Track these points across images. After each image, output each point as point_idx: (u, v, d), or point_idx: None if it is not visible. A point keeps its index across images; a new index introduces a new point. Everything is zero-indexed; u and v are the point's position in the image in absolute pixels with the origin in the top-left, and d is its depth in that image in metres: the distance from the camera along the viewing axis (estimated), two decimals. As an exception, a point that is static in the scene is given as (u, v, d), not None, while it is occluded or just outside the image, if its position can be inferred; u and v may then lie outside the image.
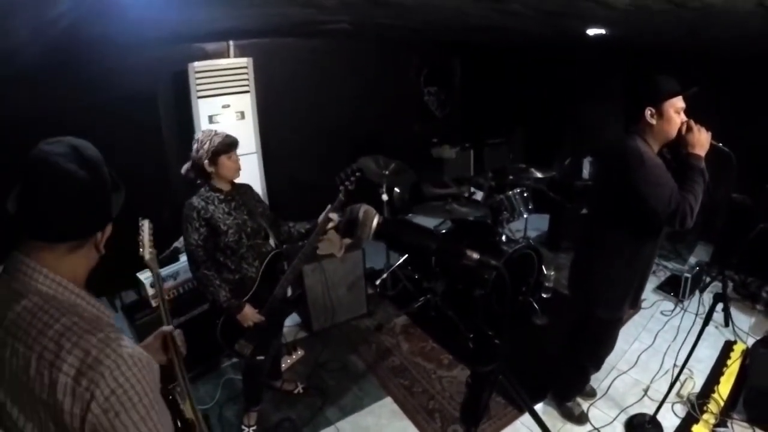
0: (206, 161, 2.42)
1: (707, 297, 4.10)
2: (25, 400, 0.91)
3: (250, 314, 2.51)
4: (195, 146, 2.44)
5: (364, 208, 1.09)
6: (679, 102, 2.16)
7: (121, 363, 0.89)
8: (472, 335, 1.12)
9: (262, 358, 2.66)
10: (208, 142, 2.41)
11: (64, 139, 1.00)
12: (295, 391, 3.26)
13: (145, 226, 1.88)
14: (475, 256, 1.05)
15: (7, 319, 0.93)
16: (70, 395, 0.87)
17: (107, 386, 0.87)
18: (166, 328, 1.55)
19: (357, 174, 2.68)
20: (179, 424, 1.38)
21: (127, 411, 0.89)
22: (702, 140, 2.13)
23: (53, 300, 0.94)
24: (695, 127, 2.14)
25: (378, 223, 1.08)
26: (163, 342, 1.52)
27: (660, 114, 2.15)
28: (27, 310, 0.93)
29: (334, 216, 2.59)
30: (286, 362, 3.52)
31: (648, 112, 2.16)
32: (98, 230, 1.03)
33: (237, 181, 2.64)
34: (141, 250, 1.82)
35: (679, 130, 2.17)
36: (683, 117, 2.18)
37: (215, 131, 2.47)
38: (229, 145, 2.45)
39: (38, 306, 0.93)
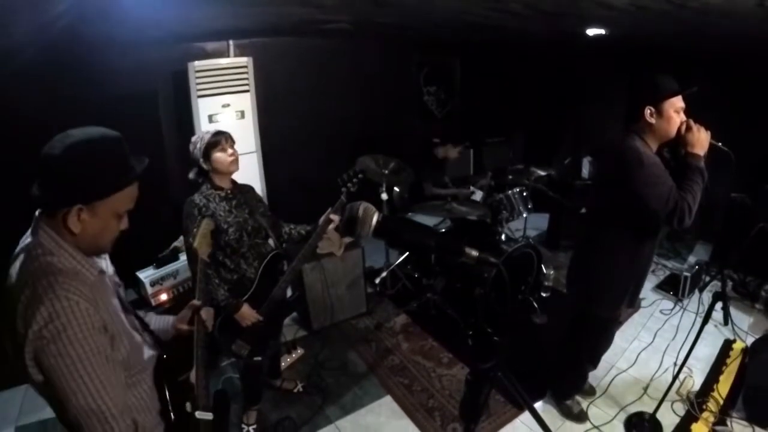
0: (201, 160, 2.48)
1: (706, 296, 4.11)
2: (8, 319, 1.14)
3: (248, 314, 2.50)
4: (191, 148, 2.51)
5: (363, 206, 1.10)
6: (678, 101, 2.17)
7: (56, 302, 1.10)
8: (471, 333, 1.11)
9: (259, 359, 2.65)
10: (199, 141, 2.48)
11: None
12: (295, 390, 3.26)
13: (203, 223, 2.04)
14: (474, 253, 1.05)
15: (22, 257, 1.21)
16: (21, 319, 1.10)
17: (42, 318, 1.08)
18: (196, 302, 1.76)
19: (359, 176, 2.69)
20: (168, 392, 1.46)
21: (55, 342, 1.08)
22: (701, 139, 2.14)
23: (41, 246, 1.19)
24: (695, 127, 2.15)
25: (377, 221, 1.08)
26: (192, 314, 1.73)
27: (659, 113, 2.16)
28: (24, 250, 1.20)
29: (335, 217, 2.60)
30: (285, 361, 3.52)
31: (647, 112, 2.17)
32: (61, 206, 1.17)
33: (239, 181, 2.66)
34: (191, 239, 1.98)
35: (679, 130, 2.17)
36: (682, 116, 2.18)
37: (207, 131, 2.53)
38: (217, 140, 2.48)
39: (30, 249, 1.19)
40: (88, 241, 1.23)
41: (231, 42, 4.54)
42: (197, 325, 1.70)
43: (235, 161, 2.54)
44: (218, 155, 2.47)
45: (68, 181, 1.16)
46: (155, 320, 1.72)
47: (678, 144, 2.21)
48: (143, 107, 4.07)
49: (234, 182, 2.63)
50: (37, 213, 1.23)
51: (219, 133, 2.50)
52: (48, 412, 3.06)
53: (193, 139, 2.53)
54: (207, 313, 1.76)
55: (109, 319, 1.23)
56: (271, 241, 2.78)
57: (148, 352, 1.41)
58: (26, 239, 1.23)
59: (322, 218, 2.63)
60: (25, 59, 2.86)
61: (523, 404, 1.35)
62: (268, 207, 2.84)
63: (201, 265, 1.93)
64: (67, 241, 1.21)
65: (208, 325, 1.75)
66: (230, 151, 2.50)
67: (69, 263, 1.20)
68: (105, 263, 1.40)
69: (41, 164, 1.16)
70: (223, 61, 4.29)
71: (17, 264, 1.20)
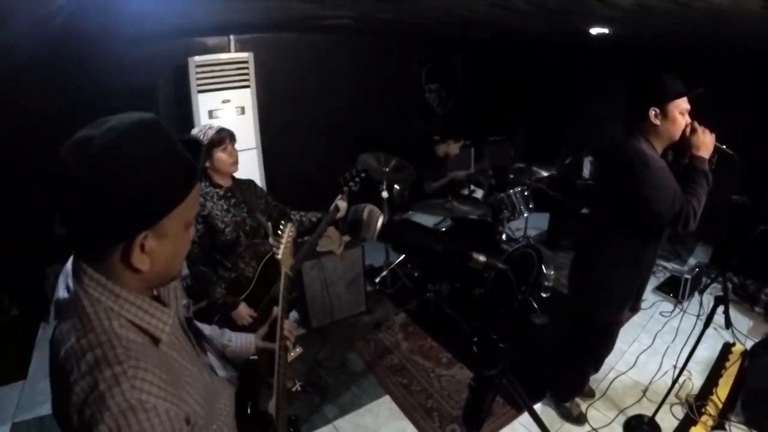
0: None
1: (707, 298, 4.10)
2: (56, 399, 0.88)
3: (245, 313, 2.48)
4: None
5: (368, 209, 1.07)
6: (683, 103, 2.15)
7: (125, 408, 0.80)
8: (476, 338, 1.09)
9: (255, 357, 2.63)
10: (201, 136, 2.39)
11: (90, 128, 0.84)
12: (293, 389, 3.25)
13: (287, 230, 1.78)
14: (482, 258, 1.04)
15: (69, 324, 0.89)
16: (77, 414, 0.81)
17: (107, 427, 0.78)
18: (276, 310, 1.50)
19: (362, 175, 2.67)
20: (249, 410, 1.26)
21: None
22: (706, 142, 2.12)
23: (92, 303, 0.87)
24: (699, 129, 2.13)
25: (383, 224, 1.06)
26: (271, 328, 1.49)
27: (665, 115, 2.14)
28: (70, 307, 0.88)
29: (342, 204, 2.58)
30: (284, 359, 3.50)
31: (652, 113, 2.15)
32: (116, 241, 0.85)
33: (239, 176, 2.63)
34: (275, 249, 1.73)
35: (684, 132, 2.16)
36: (687, 118, 2.16)
37: (210, 125, 2.46)
38: (221, 137, 2.42)
39: (78, 308, 0.87)
40: (159, 272, 0.93)
41: (232, 37, 4.53)
42: (279, 350, 1.44)
43: (236, 162, 2.50)
44: (220, 155, 2.42)
45: (121, 206, 0.81)
46: (236, 338, 1.49)
47: (683, 147, 2.20)
48: (143, 102, 4.04)
49: (234, 179, 2.59)
50: (73, 255, 0.91)
51: (222, 131, 2.43)
52: (45, 409, 3.07)
53: (194, 132, 2.46)
54: (289, 327, 1.52)
55: (189, 401, 0.93)
56: (270, 240, 2.75)
57: (225, 393, 1.17)
58: (67, 290, 0.89)
59: (332, 206, 2.62)
60: (24, 54, 2.84)
61: (525, 407, 1.33)
62: (271, 199, 2.81)
63: (285, 279, 1.64)
64: (129, 286, 0.89)
65: (289, 343, 1.52)
66: (231, 150, 2.46)
67: (135, 319, 0.89)
68: (175, 301, 1.07)
69: (64, 190, 0.82)
70: (223, 57, 4.26)
71: (64, 329, 0.87)
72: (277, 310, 1.51)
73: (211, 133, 2.40)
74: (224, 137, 2.43)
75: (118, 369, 0.82)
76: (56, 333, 0.89)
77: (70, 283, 0.89)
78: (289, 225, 1.79)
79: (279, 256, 1.70)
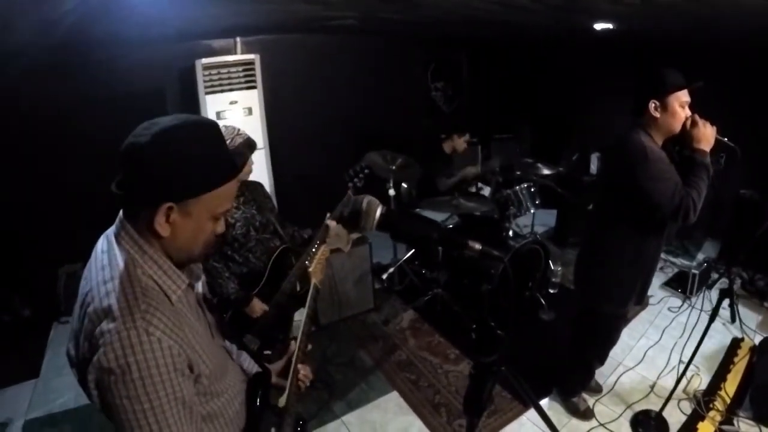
0: None
1: (715, 293, 4.07)
2: (73, 328, 1.03)
3: (258, 307, 2.51)
4: None
5: (367, 199, 1.10)
6: (684, 96, 2.15)
7: (132, 335, 0.92)
8: (474, 326, 1.12)
9: (269, 353, 2.66)
10: (229, 141, 2.37)
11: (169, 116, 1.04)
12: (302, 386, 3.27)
13: (320, 249, 1.85)
14: (478, 246, 1.05)
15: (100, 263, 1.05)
16: (88, 340, 0.95)
17: (113, 350, 0.91)
18: (293, 345, 1.53)
19: (365, 171, 2.68)
20: (258, 416, 1.32)
21: (125, 383, 0.91)
22: (707, 135, 2.12)
23: (122, 252, 1.02)
24: (700, 122, 2.13)
25: (381, 214, 1.09)
26: (287, 363, 1.52)
27: (664, 107, 2.15)
28: (103, 254, 1.04)
29: (332, 224, 2.52)
30: (293, 356, 3.53)
31: (652, 105, 2.16)
32: (147, 204, 1.00)
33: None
34: (307, 262, 1.80)
35: (684, 125, 2.16)
36: (687, 111, 2.17)
37: (238, 130, 2.44)
38: (249, 146, 2.43)
39: (110, 254, 1.03)
40: (178, 246, 1.06)
41: (238, 39, 4.56)
42: (293, 370, 1.47)
43: (251, 171, 2.55)
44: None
45: (157, 175, 0.98)
46: (248, 363, 1.53)
47: (684, 139, 2.20)
48: (151, 104, 4.05)
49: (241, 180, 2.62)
50: (121, 213, 1.07)
51: (251, 141, 2.44)
52: (56, 406, 3.12)
53: (224, 132, 2.36)
54: (306, 372, 1.56)
55: (194, 351, 1.05)
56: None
57: (236, 374, 1.30)
58: (107, 242, 1.06)
59: (322, 226, 2.58)
60: (32, 58, 2.89)
61: (528, 400, 1.35)
62: (275, 206, 2.85)
63: (313, 291, 1.65)
64: (154, 247, 1.04)
65: (302, 384, 1.56)
66: (251, 161, 2.48)
67: (154, 275, 1.03)
68: (198, 283, 1.23)
69: (123, 156, 0.98)
70: (230, 58, 4.30)
71: (94, 270, 1.03)
72: (294, 346, 1.53)
73: (238, 140, 2.38)
74: (254, 146, 2.44)
75: (133, 303, 0.96)
76: (86, 273, 1.06)
77: (109, 237, 1.06)
78: (323, 246, 1.88)
79: (311, 269, 1.76)
